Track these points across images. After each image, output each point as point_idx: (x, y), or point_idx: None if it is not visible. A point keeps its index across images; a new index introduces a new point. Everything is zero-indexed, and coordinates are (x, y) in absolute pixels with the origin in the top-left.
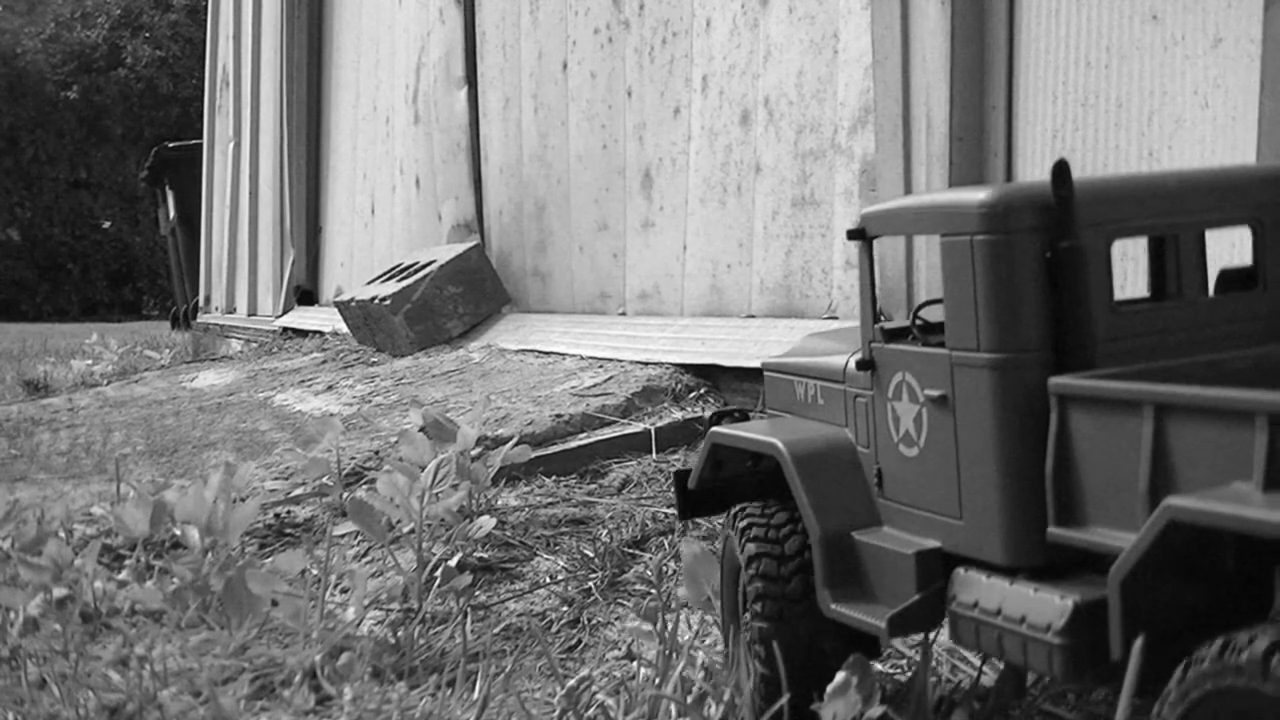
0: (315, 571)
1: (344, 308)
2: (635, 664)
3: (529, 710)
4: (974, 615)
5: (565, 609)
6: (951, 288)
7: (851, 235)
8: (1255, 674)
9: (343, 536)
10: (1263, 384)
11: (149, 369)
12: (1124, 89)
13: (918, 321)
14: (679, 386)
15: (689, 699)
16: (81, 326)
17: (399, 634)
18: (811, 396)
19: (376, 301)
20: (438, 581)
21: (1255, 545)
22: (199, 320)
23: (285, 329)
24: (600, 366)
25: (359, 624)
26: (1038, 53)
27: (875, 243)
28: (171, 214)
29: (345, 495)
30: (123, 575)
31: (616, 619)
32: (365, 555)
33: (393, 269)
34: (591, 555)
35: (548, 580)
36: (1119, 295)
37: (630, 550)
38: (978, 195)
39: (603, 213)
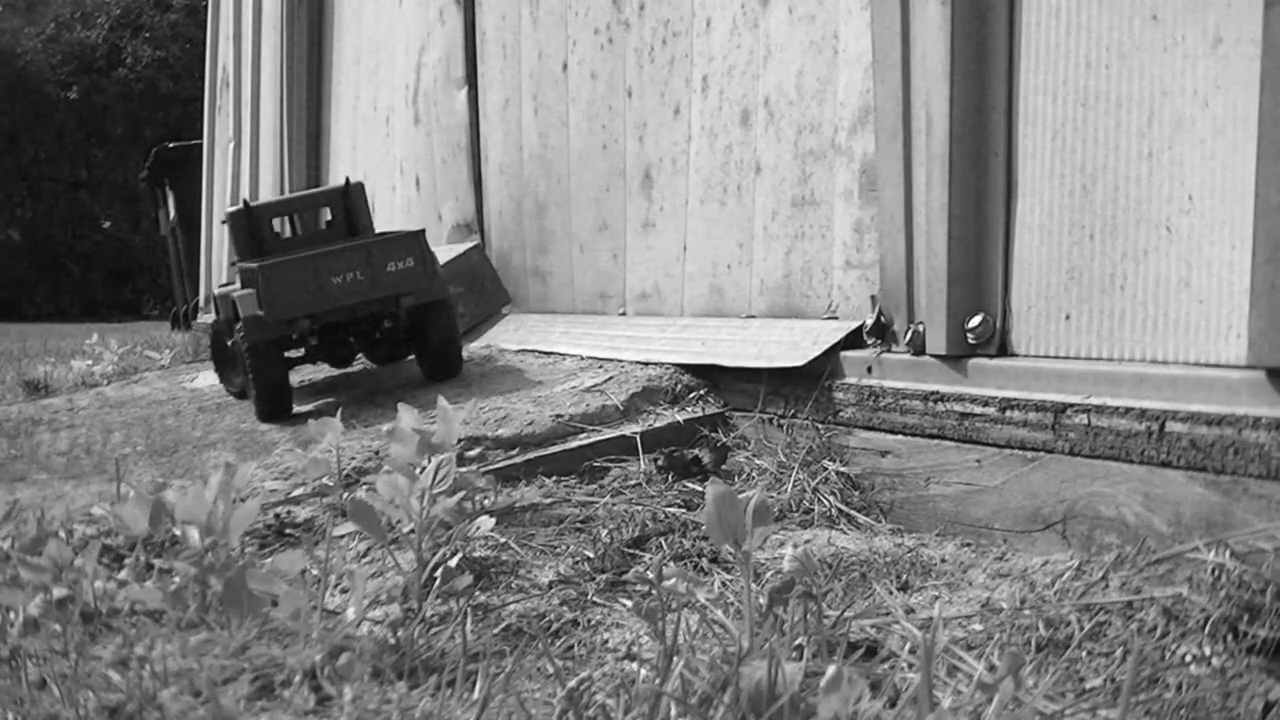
0: (315, 571)
1: None
2: (636, 664)
3: (529, 710)
4: None
5: (565, 609)
6: (230, 238)
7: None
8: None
9: (343, 536)
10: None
11: (149, 369)
12: (1124, 89)
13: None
14: (679, 387)
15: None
16: (81, 326)
17: (399, 634)
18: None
19: None
20: (438, 582)
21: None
22: (199, 320)
23: None
24: (600, 367)
25: (359, 624)
26: (1038, 53)
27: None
28: (171, 214)
29: (345, 495)
30: (123, 575)
31: (618, 623)
32: (365, 555)
33: None
34: (592, 555)
35: (547, 585)
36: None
37: (630, 550)
38: (230, 208)
39: (603, 213)
